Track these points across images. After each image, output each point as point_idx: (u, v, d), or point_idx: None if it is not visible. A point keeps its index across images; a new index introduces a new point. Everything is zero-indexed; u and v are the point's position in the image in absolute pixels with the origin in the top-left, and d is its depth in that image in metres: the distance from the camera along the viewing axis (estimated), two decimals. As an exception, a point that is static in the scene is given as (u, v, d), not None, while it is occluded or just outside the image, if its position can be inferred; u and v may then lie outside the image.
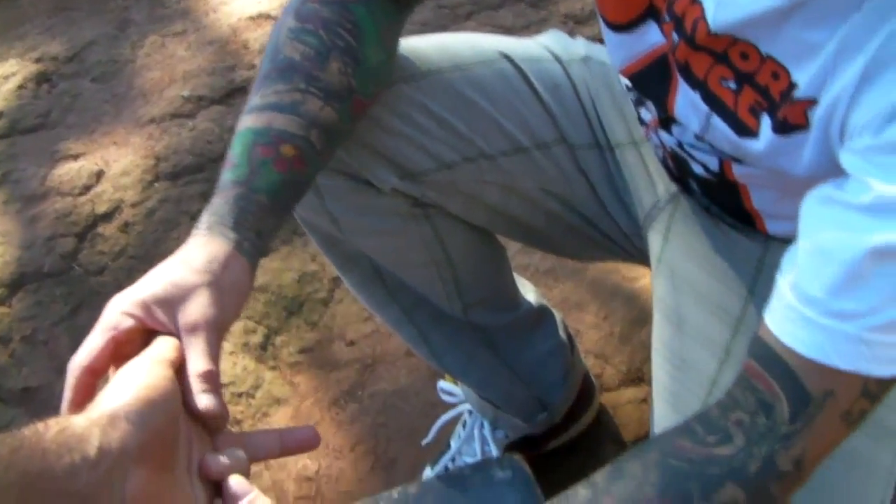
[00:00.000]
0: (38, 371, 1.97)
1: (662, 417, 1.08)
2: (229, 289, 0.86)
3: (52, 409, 1.88)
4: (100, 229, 2.21)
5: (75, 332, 2.02)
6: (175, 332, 0.84)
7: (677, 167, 1.10)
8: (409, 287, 1.30)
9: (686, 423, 0.83)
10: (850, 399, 0.76)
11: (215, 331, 0.84)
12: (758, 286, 1.04)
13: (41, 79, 2.63)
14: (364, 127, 1.09)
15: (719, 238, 1.09)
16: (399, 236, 1.21)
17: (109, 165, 2.35)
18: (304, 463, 1.70)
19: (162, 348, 0.79)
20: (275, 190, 0.92)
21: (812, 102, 0.79)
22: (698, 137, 0.97)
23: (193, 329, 0.83)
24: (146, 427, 0.69)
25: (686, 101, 0.95)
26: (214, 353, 0.84)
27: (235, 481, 0.79)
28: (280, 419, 1.78)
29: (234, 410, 1.79)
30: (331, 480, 1.68)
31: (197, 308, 0.83)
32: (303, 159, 0.95)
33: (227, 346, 1.88)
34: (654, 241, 1.16)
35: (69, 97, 2.57)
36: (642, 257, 1.22)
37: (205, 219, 0.90)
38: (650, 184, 1.18)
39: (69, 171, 2.36)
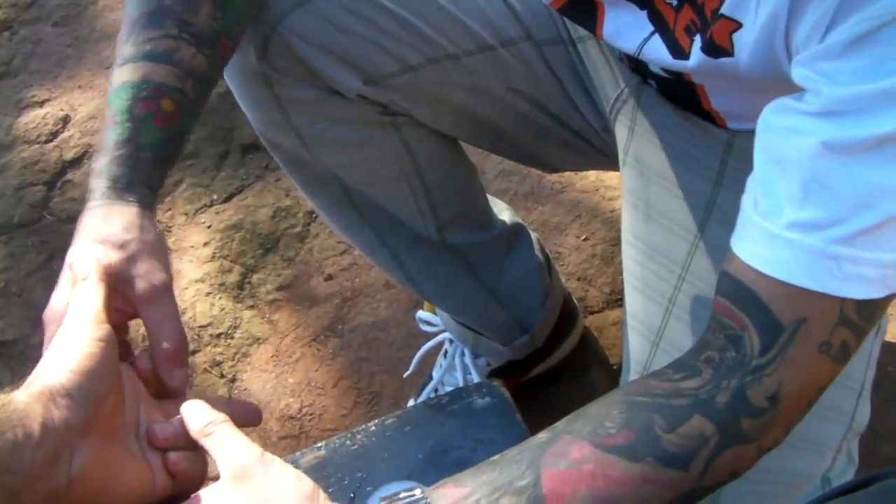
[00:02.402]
0: (14, 323, 1.94)
1: (634, 305, 1.07)
2: (156, 249, 0.86)
3: (29, 360, 1.86)
4: (69, 176, 2.17)
5: (50, 281, 1.96)
6: (125, 315, 0.83)
7: (634, 65, 1.08)
8: (381, 208, 1.27)
9: (657, 370, 0.80)
10: (826, 327, 0.73)
11: (168, 295, 0.84)
12: (727, 170, 1.02)
13: (1, 27, 2.56)
14: (320, 30, 1.06)
15: (684, 125, 1.06)
16: (367, 148, 1.19)
17: (75, 110, 2.29)
18: (286, 402, 1.68)
19: (88, 304, 0.75)
20: (158, 146, 0.91)
21: (737, 25, 0.79)
22: (632, 57, 0.97)
23: (150, 302, 0.83)
24: (89, 400, 0.68)
25: (618, 25, 0.95)
26: (175, 320, 0.84)
27: (192, 412, 0.77)
28: (260, 358, 1.75)
29: (213, 352, 1.76)
30: (314, 418, 1.66)
31: (142, 281, 0.83)
32: (180, 113, 0.94)
33: (203, 287, 1.85)
34: (621, 133, 1.14)
35: (31, 43, 2.51)
36: (612, 156, 1.19)
37: (96, 184, 0.88)
38: (613, 76, 1.15)
39: (35, 119, 2.31)
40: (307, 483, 0.74)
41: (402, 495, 0.74)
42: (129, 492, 0.72)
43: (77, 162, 2.19)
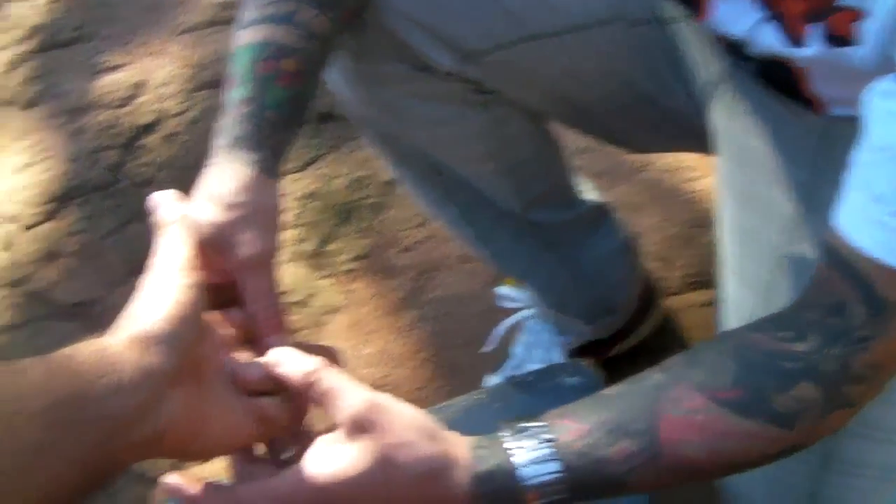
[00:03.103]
0: (89, 285, 1.96)
1: (729, 290, 1.07)
2: (266, 215, 0.85)
3: (106, 322, 1.87)
4: (143, 140, 2.18)
5: (125, 244, 2.00)
6: (223, 278, 0.83)
7: (730, 46, 1.06)
8: (468, 185, 1.27)
9: (759, 320, 0.81)
10: None
11: (268, 263, 0.84)
12: (822, 156, 1.00)
13: (73, -9, 2.58)
14: (415, 5, 1.06)
15: (779, 110, 1.05)
16: (457, 125, 1.18)
17: (149, 76, 2.30)
18: (362, 373, 1.68)
19: (177, 250, 0.75)
20: (281, 105, 0.91)
21: (860, 14, 0.78)
22: (729, 39, 0.96)
23: (249, 269, 0.83)
24: (181, 347, 0.67)
25: (726, 11, 0.93)
26: (273, 288, 0.84)
27: (289, 361, 0.76)
28: (337, 327, 1.76)
29: (290, 320, 1.77)
30: (390, 389, 1.66)
31: (246, 247, 0.83)
32: (301, 73, 0.94)
33: (280, 255, 1.86)
34: (716, 116, 1.13)
35: (103, 8, 2.51)
36: (703, 139, 1.18)
37: (218, 143, 0.88)
38: (708, 58, 1.14)
39: (109, 83, 2.32)
40: (426, 419, 0.75)
41: (525, 424, 0.75)
42: (219, 438, 0.72)
43: (151, 127, 2.20)
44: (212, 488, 0.73)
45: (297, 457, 0.74)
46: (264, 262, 0.84)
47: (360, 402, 0.72)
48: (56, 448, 0.56)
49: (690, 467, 0.76)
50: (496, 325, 1.62)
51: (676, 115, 1.20)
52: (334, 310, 1.79)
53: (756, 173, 1.05)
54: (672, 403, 0.76)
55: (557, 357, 1.52)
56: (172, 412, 0.66)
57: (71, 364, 0.59)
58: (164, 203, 0.79)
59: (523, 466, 0.73)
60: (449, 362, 1.68)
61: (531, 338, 1.55)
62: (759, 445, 0.77)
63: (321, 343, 1.62)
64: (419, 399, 1.64)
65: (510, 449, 0.74)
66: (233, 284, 0.84)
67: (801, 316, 0.79)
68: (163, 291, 0.70)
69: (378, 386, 1.64)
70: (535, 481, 0.73)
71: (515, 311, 1.60)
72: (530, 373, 1.22)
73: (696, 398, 0.76)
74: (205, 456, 0.73)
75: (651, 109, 1.20)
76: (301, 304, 1.80)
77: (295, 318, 1.78)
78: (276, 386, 0.77)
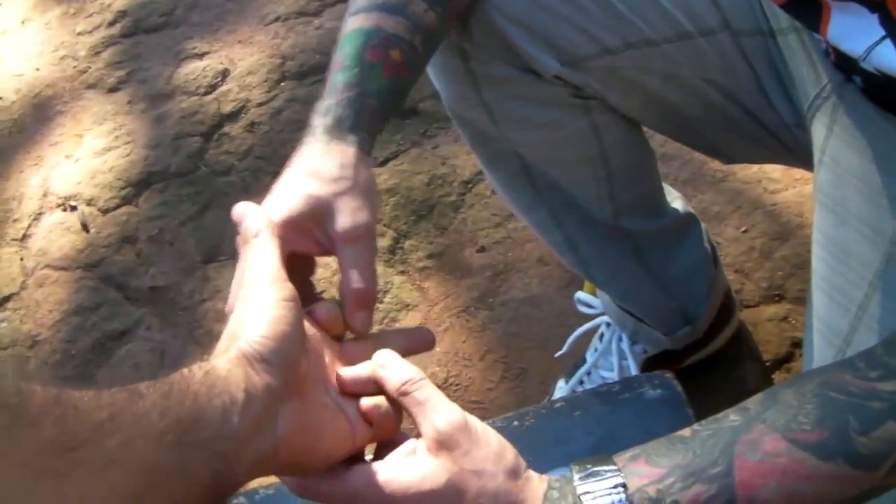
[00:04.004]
0: (165, 271, 1.99)
1: (820, 307, 1.03)
2: (367, 191, 0.86)
3: (179, 308, 1.90)
4: (226, 129, 2.20)
5: (202, 232, 2.02)
6: (320, 250, 0.84)
7: (840, 59, 1.04)
8: (559, 188, 1.26)
9: (848, 358, 0.79)
10: None
11: (369, 237, 0.84)
12: None
13: (164, -22, 2.61)
14: (523, 8, 1.06)
15: (887, 129, 1.02)
16: (556, 129, 1.18)
17: (235, 64, 2.33)
18: (432, 371, 1.68)
19: (267, 262, 0.75)
20: (383, 94, 0.92)
21: None
22: (857, 59, 0.92)
23: (349, 240, 0.83)
24: (285, 363, 0.68)
25: (845, 27, 0.91)
26: (371, 262, 0.84)
27: (388, 368, 0.76)
28: (408, 324, 1.76)
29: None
30: (460, 388, 1.66)
31: (347, 218, 0.83)
32: (407, 65, 0.95)
33: (355, 249, 1.86)
34: (818, 131, 1.10)
35: (192, -5, 2.55)
36: (800, 154, 1.16)
37: (318, 122, 0.89)
38: (814, 72, 1.11)
39: (194, 71, 2.35)
40: (511, 454, 0.74)
41: (597, 468, 0.73)
42: (332, 447, 0.72)
43: (234, 116, 2.22)
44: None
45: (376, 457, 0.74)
46: (363, 234, 0.84)
47: (450, 420, 0.72)
48: (176, 469, 0.57)
49: None
50: (569, 329, 1.60)
51: (777, 128, 1.18)
52: (407, 307, 1.79)
53: (856, 190, 1.02)
54: (749, 446, 0.73)
55: (630, 366, 1.51)
56: (285, 428, 0.66)
57: (185, 387, 0.60)
58: (248, 213, 0.79)
59: None
60: (520, 364, 1.67)
61: (605, 345, 1.53)
62: (839, 488, 0.74)
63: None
64: (488, 400, 1.63)
65: (579, 493, 0.72)
66: (327, 255, 0.85)
67: (891, 354, 0.76)
68: (259, 307, 0.70)
69: (448, 384, 1.64)
70: None
71: (591, 317, 1.58)
72: (612, 383, 1.20)
73: (776, 441, 0.73)
74: (318, 466, 0.72)
75: (750, 122, 1.19)
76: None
77: (368, 312, 1.78)
78: (380, 386, 0.77)
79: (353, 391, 0.77)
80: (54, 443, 0.50)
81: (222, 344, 0.69)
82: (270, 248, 0.76)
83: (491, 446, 0.73)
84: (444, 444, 0.71)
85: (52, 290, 2.01)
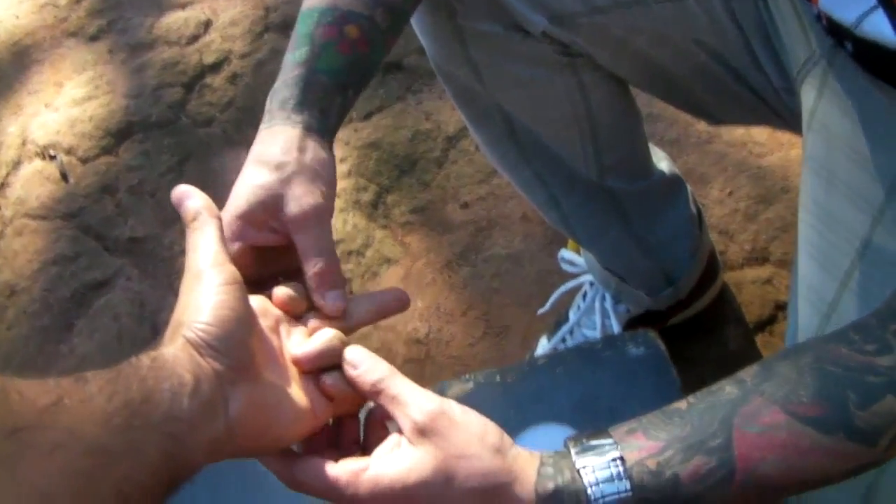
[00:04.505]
0: (145, 222, 1.97)
1: (806, 273, 1.03)
2: (315, 171, 0.84)
3: (158, 259, 1.88)
4: (207, 80, 2.17)
5: (182, 183, 1.99)
6: (279, 239, 0.83)
7: (832, 25, 1.03)
8: (544, 147, 1.25)
9: (841, 330, 0.78)
10: None
11: (320, 220, 0.83)
12: None
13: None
14: None
15: (877, 96, 1.02)
16: (542, 87, 1.17)
17: (217, 15, 2.30)
18: (414, 325, 1.68)
19: (205, 246, 0.73)
20: (338, 71, 0.90)
21: None
22: (850, 28, 0.92)
23: (300, 227, 0.81)
24: (231, 346, 0.67)
25: None
26: (327, 243, 0.83)
27: (358, 368, 0.75)
28: (390, 279, 1.75)
29: (345, 268, 1.76)
30: (441, 344, 1.66)
31: (294, 205, 0.81)
32: (367, 40, 0.92)
33: (338, 203, 1.85)
34: (808, 96, 1.09)
35: (174, -56, 2.51)
36: (788, 117, 1.16)
37: (268, 106, 0.87)
38: (805, 36, 1.10)
39: (176, 21, 2.32)
40: (494, 432, 0.73)
41: (594, 442, 0.73)
42: (291, 424, 0.72)
43: (216, 67, 2.19)
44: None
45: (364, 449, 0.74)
46: (315, 218, 0.82)
47: (425, 409, 0.71)
48: (126, 451, 0.57)
49: (762, 485, 0.73)
50: (551, 287, 1.60)
51: (765, 91, 1.17)
52: (388, 261, 1.78)
53: (845, 156, 1.02)
54: (748, 418, 0.73)
55: (613, 325, 1.50)
56: (237, 409, 0.66)
57: (132, 372, 0.60)
58: (186, 196, 0.78)
59: (591, 486, 0.71)
60: (501, 321, 1.67)
61: (588, 304, 1.53)
62: (838, 463, 0.74)
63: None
64: (469, 356, 1.63)
65: (577, 467, 0.72)
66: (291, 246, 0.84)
67: (887, 326, 0.76)
68: (201, 293, 0.69)
69: (429, 339, 1.64)
70: (602, 501, 0.71)
71: (575, 275, 1.58)
72: (597, 340, 1.19)
73: (776, 413, 0.73)
74: (279, 445, 0.72)
75: (738, 84, 1.18)
76: (356, 253, 1.79)
77: (349, 267, 1.77)
78: (338, 358, 0.76)
79: (308, 368, 0.76)
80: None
81: (169, 332, 0.68)
82: (210, 232, 0.74)
83: (472, 427, 0.72)
84: (424, 434, 0.70)
85: (30, 239, 1.99)
